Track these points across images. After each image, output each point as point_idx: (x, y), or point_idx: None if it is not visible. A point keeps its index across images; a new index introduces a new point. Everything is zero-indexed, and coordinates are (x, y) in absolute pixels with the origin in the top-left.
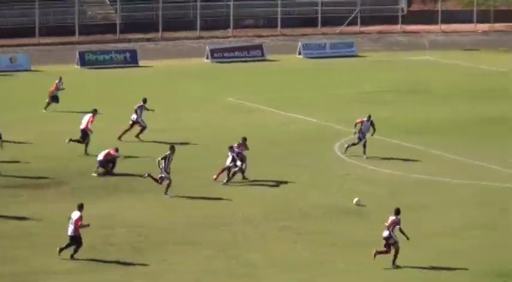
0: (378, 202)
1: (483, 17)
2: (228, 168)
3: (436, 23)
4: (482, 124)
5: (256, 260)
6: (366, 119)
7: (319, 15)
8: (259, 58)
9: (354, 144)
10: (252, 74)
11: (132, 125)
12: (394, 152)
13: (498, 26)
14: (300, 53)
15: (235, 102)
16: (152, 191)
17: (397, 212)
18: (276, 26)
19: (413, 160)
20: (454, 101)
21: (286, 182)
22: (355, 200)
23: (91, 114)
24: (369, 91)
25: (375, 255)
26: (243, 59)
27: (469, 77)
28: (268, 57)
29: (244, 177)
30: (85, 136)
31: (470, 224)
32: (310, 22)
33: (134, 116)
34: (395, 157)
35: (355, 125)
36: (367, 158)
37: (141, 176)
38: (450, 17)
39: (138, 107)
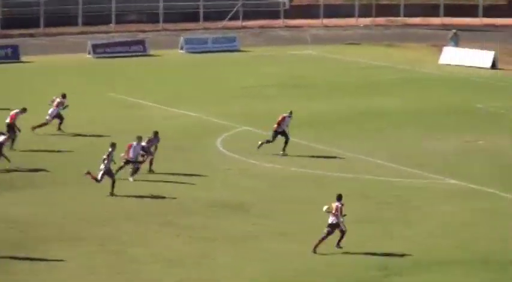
0: (259, 196)
1: (365, 11)
2: (131, 163)
3: (318, 17)
4: (364, 118)
5: (138, 255)
6: (287, 115)
7: (201, 10)
8: (142, 53)
9: (268, 142)
10: (134, 69)
11: (59, 119)
12: (276, 147)
13: (379, 20)
14: (182, 48)
15: (118, 98)
16: (35, 187)
17: (340, 197)
18: (159, 21)
19: (295, 154)
20: (336, 95)
21: (169, 177)
22: (325, 207)
23: (17, 110)
24: (251, 86)
25: (316, 247)
26: (125, 54)
27: (351, 71)
28: (151, 52)
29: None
30: (12, 131)
31: (351, 217)
32: (193, 17)
33: (51, 110)
34: (278, 151)
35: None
36: (283, 154)
37: (19, 170)
38: (332, 11)
39: (56, 103)
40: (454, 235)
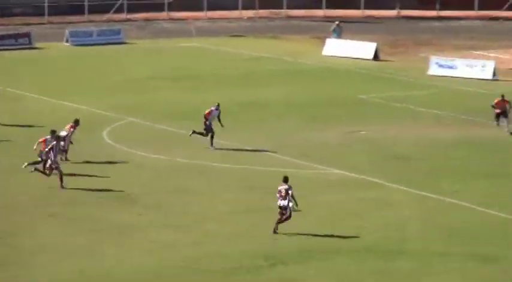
0: (145, 187)
1: (248, 4)
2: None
3: (202, 9)
4: (247, 109)
5: (25, 247)
6: (214, 107)
7: (86, 3)
8: (27, 46)
9: (202, 134)
10: (20, 62)
11: None
12: (161, 138)
13: (262, 12)
14: (67, 41)
15: (4, 90)
16: None
17: (286, 179)
18: (44, 14)
19: (181, 146)
20: (220, 86)
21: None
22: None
23: None
24: (137, 78)
25: (276, 228)
26: (11, 47)
27: (235, 63)
28: (36, 45)
29: (66, 159)
30: None
31: (237, 208)
32: (78, 9)
33: None
34: (164, 143)
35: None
36: (215, 148)
37: None
38: (216, 3)
39: None
40: (339, 224)
